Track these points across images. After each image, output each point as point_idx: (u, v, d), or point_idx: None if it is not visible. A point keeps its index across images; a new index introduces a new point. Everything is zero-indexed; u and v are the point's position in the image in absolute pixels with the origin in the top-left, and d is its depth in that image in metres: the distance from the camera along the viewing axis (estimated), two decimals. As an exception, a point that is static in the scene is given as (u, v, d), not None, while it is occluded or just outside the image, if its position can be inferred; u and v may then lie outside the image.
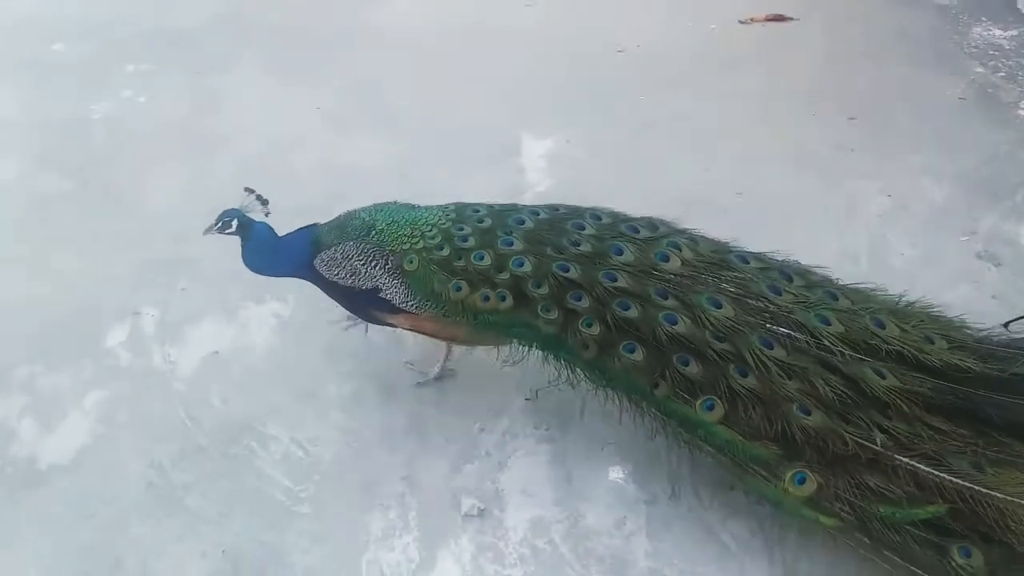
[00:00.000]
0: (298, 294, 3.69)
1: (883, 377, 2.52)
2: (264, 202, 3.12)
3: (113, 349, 3.57)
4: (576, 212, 3.05)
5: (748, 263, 2.87)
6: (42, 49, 6.00)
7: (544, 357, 2.93)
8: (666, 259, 2.83)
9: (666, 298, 2.73)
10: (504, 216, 3.01)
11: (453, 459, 3.08)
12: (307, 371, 3.45)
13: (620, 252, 2.84)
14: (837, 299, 2.75)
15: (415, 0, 6.57)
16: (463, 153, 4.74)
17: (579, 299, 2.77)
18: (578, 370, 2.87)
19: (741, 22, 6.02)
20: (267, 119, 5.16)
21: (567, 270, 2.81)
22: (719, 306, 2.68)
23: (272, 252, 3.14)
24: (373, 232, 3.00)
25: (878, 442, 2.43)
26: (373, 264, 2.98)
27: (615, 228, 2.96)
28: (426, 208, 3.10)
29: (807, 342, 2.60)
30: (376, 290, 3.01)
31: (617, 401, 2.83)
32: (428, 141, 4.88)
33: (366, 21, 6.24)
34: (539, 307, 2.81)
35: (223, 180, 4.42)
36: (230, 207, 3.07)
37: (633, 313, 2.71)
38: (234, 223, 3.05)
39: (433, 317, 2.97)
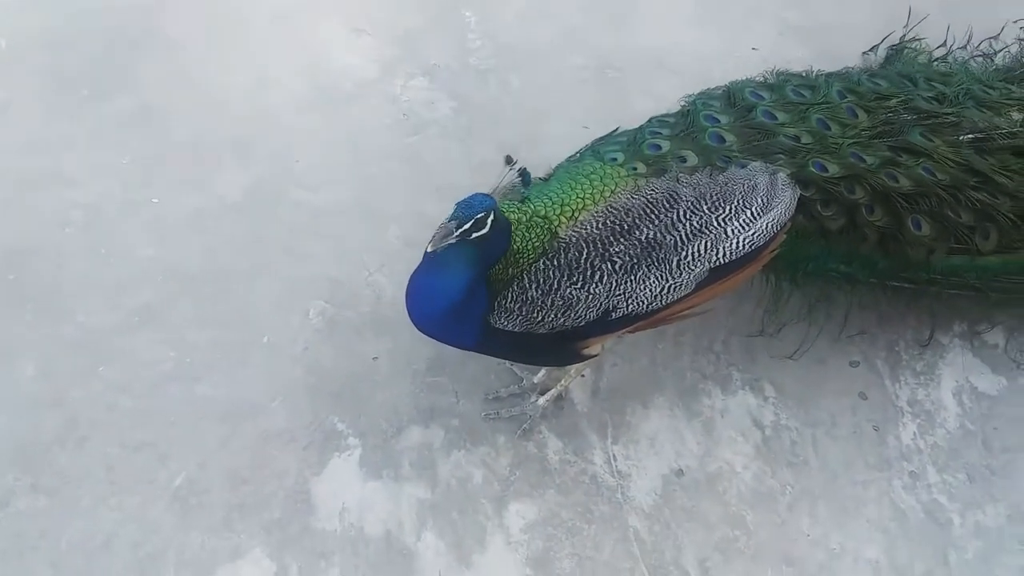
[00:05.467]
0: (780, 380, 2.63)
1: None
2: (525, 178, 2.04)
3: (535, 424, 2.51)
4: (735, 98, 2.52)
5: (880, 84, 2.64)
6: None
7: (796, 280, 2.54)
8: (855, 114, 2.52)
9: (900, 155, 2.43)
10: (688, 123, 2.41)
11: None
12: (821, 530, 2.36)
13: (827, 126, 2.46)
14: (951, 79, 2.69)
15: None
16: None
17: (852, 191, 2.39)
18: (837, 277, 2.53)
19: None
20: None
21: (824, 168, 2.37)
22: (931, 140, 2.47)
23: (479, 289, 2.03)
24: (557, 225, 2.08)
25: None
26: (598, 277, 2.06)
27: (788, 99, 2.53)
28: (571, 167, 2.27)
29: (991, 136, 2.50)
30: (606, 314, 2.10)
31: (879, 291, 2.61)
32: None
33: None
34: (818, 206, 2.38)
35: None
36: (476, 192, 1.96)
37: (904, 182, 2.41)
38: (489, 220, 1.90)
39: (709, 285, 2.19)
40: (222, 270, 2.78)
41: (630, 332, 2.29)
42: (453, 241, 1.90)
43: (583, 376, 2.60)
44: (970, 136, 2.52)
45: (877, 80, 2.66)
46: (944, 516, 2.43)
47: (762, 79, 2.64)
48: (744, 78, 2.65)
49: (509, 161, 2.06)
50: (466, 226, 1.89)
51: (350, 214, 2.97)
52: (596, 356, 2.34)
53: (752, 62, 3.39)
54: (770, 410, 2.59)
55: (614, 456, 2.46)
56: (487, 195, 1.95)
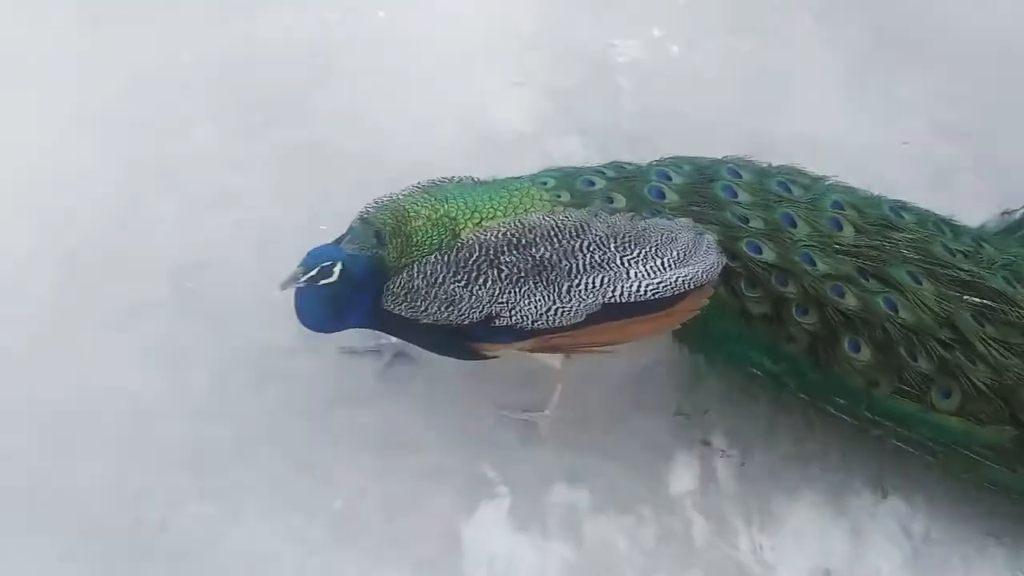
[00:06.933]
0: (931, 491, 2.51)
1: None
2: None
3: (679, 500, 2.51)
4: (705, 168, 2.43)
5: (903, 217, 2.42)
6: None
7: (710, 361, 2.47)
8: (839, 226, 2.34)
9: (867, 278, 2.25)
10: (637, 173, 2.40)
11: None
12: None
13: (793, 223, 2.31)
14: (984, 247, 2.41)
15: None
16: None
17: (784, 284, 2.25)
18: (761, 375, 2.38)
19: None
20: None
21: (759, 250, 2.26)
22: (919, 282, 2.27)
23: (354, 294, 2.21)
24: (461, 228, 2.17)
25: None
26: (482, 280, 2.13)
27: (767, 187, 2.39)
28: (505, 180, 2.33)
29: (1003, 310, 2.26)
30: (489, 319, 2.15)
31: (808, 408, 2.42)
32: None
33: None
34: (742, 282, 2.27)
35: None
36: (322, 244, 2.21)
37: (851, 301, 2.23)
38: (336, 270, 2.11)
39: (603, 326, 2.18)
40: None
41: (529, 351, 2.31)
42: (301, 285, 2.13)
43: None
44: (976, 300, 2.29)
45: (904, 213, 2.45)
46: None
47: (766, 164, 2.52)
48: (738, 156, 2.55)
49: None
50: (312, 272, 2.10)
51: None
52: (496, 358, 2.36)
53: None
54: (921, 521, 2.52)
55: (760, 545, 2.45)
56: (337, 247, 2.17)
